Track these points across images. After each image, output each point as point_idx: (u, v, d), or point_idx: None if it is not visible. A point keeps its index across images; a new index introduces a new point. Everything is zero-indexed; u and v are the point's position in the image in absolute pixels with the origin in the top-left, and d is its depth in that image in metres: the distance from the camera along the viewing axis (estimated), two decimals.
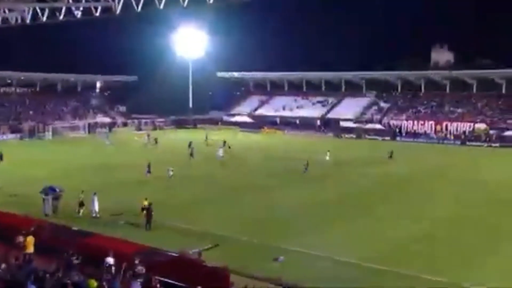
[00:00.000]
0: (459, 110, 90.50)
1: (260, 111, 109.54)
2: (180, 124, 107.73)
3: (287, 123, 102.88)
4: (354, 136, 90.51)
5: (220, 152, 51.92)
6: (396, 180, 42.52)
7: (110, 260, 16.86)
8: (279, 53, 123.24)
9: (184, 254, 18.29)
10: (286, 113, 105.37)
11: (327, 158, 48.69)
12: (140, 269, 16.04)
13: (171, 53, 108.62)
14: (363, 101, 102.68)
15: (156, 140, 66.27)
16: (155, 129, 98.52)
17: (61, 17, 31.41)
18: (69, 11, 31.25)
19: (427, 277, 19.37)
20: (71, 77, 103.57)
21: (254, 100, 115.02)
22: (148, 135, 71.95)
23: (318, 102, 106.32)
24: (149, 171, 41.26)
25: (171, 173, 40.07)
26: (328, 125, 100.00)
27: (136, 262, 16.27)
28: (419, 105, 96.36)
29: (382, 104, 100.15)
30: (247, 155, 59.25)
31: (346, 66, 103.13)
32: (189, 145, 57.42)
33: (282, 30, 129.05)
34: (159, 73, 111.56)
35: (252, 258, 21.67)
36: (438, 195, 35.99)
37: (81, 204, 28.65)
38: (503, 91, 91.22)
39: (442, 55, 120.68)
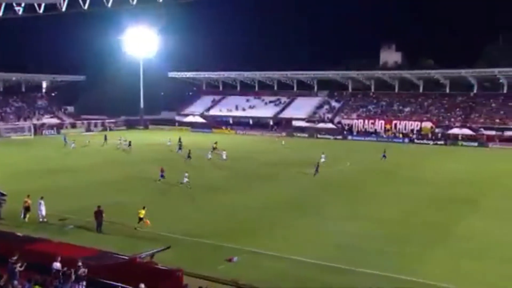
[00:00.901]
0: (407, 109, 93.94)
1: (213, 111, 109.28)
2: (131, 125, 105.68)
3: (239, 123, 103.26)
4: (306, 135, 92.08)
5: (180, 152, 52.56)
6: (345, 180, 43.59)
7: (57, 265, 16.38)
8: (232, 53, 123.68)
9: (135, 257, 18.03)
10: (239, 113, 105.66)
11: (322, 160, 48.88)
12: (83, 271, 15.71)
13: (121, 53, 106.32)
14: (315, 101, 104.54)
15: (130, 143, 63.59)
16: (105, 130, 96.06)
17: (0, 13, 30.05)
18: (9, 7, 29.96)
19: (379, 273, 20.03)
20: (14, 76, 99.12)
21: (206, 100, 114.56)
22: (120, 138, 69.25)
23: (271, 102, 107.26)
24: (162, 176, 39.72)
25: (186, 179, 37.75)
26: (281, 124, 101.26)
27: (79, 264, 15.90)
28: (369, 105, 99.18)
29: (334, 104, 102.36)
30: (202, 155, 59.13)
31: (298, 66, 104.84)
32: (179, 144, 59.42)
33: (234, 30, 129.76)
34: (108, 73, 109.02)
35: (206, 259, 21.64)
36: (386, 194, 37.07)
37: (27, 209, 27.60)
38: (447, 90, 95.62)
39: (390, 56, 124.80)
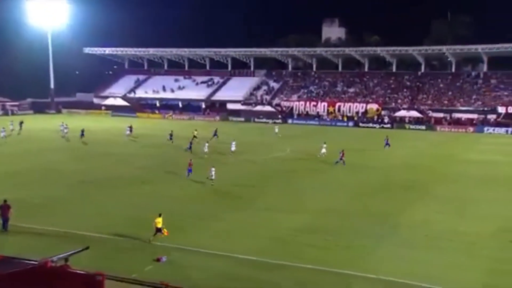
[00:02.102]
0: (352, 90, 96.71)
1: (137, 93, 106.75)
2: (40, 109, 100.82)
3: (167, 106, 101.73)
4: (243, 119, 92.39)
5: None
6: (284, 168, 44.08)
7: None
8: (158, 27, 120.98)
9: (47, 261, 17.21)
10: (167, 95, 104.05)
11: (323, 150, 48.52)
12: None
13: (24, 24, 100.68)
14: (251, 81, 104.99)
15: (82, 132, 60.07)
16: (6, 114, 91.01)
17: None
18: None
19: (323, 269, 20.46)
20: None
21: (129, 80, 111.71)
22: (62, 124, 65.86)
23: (203, 82, 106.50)
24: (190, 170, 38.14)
25: (213, 172, 35.98)
26: (214, 107, 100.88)
27: None
28: (311, 85, 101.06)
29: (272, 84, 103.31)
30: (118, 142, 57.69)
31: (233, 43, 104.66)
32: (170, 134, 57.89)
33: (160, 2, 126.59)
34: (9, 48, 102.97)
35: (131, 260, 21.11)
36: (328, 183, 37.97)
37: None
38: (394, 69, 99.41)
39: (333, 31, 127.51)
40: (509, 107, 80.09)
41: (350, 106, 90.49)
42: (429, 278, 19.51)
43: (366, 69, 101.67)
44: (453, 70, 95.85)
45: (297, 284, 19.31)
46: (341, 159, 44.64)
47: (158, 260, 20.97)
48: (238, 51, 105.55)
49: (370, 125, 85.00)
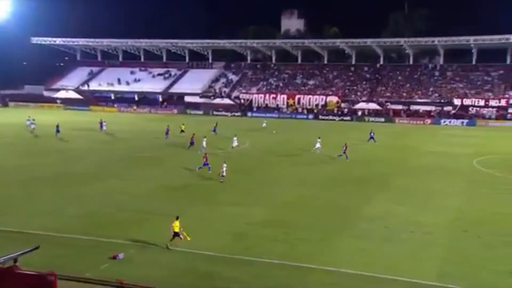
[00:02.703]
0: (311, 83, 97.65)
1: (90, 85, 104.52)
2: None
3: (123, 99, 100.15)
4: (201, 112, 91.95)
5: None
6: (242, 162, 44.17)
7: None
8: (112, 18, 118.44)
9: None
10: (122, 88, 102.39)
11: (318, 145, 48.06)
12: None
13: None
14: (209, 74, 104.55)
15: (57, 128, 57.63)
16: None
17: None
18: None
19: (284, 263, 20.65)
20: None
21: (82, 73, 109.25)
22: (29, 118, 63.07)
23: (159, 74, 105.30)
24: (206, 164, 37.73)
25: (225, 169, 35.55)
26: (172, 100, 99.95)
27: None
28: (270, 77, 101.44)
29: (231, 77, 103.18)
30: (73, 136, 56.44)
31: (190, 34, 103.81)
32: (167, 132, 56.45)
33: None
34: None
35: (85, 258, 20.74)
36: (287, 176, 38.18)
37: None
38: (353, 62, 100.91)
39: (292, 23, 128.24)
40: (464, 99, 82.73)
41: (310, 99, 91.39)
42: (388, 269, 20.00)
43: (325, 61, 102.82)
44: (411, 62, 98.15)
45: (257, 279, 19.42)
46: (344, 152, 44.97)
47: (114, 257, 20.67)
48: (195, 42, 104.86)
49: (330, 117, 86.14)
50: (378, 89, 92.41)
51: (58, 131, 56.71)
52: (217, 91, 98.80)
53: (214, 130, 60.47)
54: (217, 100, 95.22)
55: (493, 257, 21.60)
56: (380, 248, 22.69)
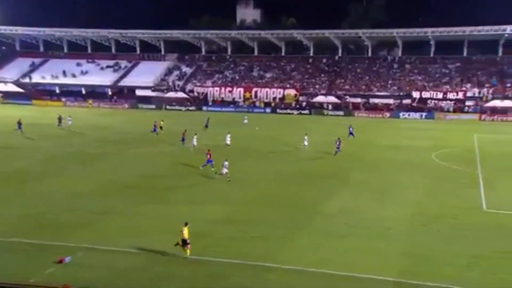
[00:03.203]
0: (269, 75, 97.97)
1: (33, 78, 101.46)
2: None
3: (69, 93, 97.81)
4: (154, 106, 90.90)
5: None
6: (197, 158, 43.16)
7: None
8: (54, 5, 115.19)
9: None
10: (68, 80, 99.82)
11: (305, 143, 47.55)
12: None
13: None
14: (162, 66, 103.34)
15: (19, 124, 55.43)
16: None
17: None
18: None
19: (239, 262, 20.70)
20: None
21: (22, 64, 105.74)
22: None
23: (108, 67, 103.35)
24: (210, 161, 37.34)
25: (225, 169, 35.06)
26: (122, 94, 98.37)
27: None
28: (226, 70, 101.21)
29: (185, 69, 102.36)
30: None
31: (141, 24, 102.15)
32: (155, 125, 55.42)
33: None
34: None
35: (29, 263, 20.19)
36: (245, 172, 38.17)
37: None
38: (311, 53, 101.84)
39: (248, 13, 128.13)
40: (423, 92, 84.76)
41: (267, 92, 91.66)
42: (347, 266, 20.38)
43: (283, 53, 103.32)
44: (370, 54, 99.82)
45: (211, 279, 19.42)
46: (338, 148, 45.29)
47: (60, 261, 20.23)
48: (147, 33, 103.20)
49: (288, 111, 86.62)
50: (336, 82, 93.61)
51: (19, 127, 54.59)
52: (170, 84, 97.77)
53: (207, 126, 59.95)
54: (170, 94, 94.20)
55: (452, 251, 22.34)
56: (339, 244, 23.08)
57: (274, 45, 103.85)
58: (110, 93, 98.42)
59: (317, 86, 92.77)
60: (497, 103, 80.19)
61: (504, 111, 79.24)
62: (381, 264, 20.74)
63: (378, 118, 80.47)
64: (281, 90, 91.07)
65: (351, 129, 55.50)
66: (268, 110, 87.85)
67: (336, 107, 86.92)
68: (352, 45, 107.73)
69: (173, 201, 30.00)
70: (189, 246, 21.08)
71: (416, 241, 23.66)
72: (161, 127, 56.71)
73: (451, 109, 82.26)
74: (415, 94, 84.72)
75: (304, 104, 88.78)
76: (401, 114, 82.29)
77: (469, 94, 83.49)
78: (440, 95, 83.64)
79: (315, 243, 23.15)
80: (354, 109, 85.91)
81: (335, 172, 38.70)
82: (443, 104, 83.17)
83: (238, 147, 48.16)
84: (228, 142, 48.18)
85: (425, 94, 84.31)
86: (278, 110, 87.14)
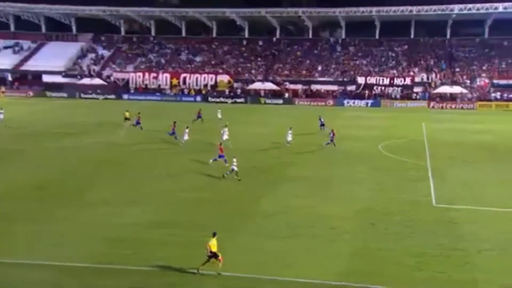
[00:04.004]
0: (199, 59, 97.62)
1: None
2: None
3: None
4: (65, 95, 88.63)
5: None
6: (118, 154, 43.55)
7: None
8: None
9: None
10: None
11: (289, 139, 46.38)
12: None
13: None
14: (74, 47, 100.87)
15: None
16: None
17: None
18: None
19: (162, 270, 20.71)
20: None
21: None
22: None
23: (7, 47, 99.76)
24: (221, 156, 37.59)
25: (235, 167, 34.87)
26: (26, 80, 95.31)
27: None
28: (149, 53, 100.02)
29: (102, 52, 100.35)
30: None
31: None
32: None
33: None
34: None
35: None
36: (172, 169, 38.28)
37: None
38: (246, 35, 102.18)
39: None
40: (368, 78, 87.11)
41: (197, 78, 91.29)
42: (288, 269, 20.77)
43: (214, 35, 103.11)
44: (311, 36, 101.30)
45: None
46: (331, 140, 45.58)
47: None
48: (54, 8, 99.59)
49: (222, 99, 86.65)
50: (275, 67, 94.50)
51: None
52: (85, 69, 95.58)
53: (199, 117, 59.06)
54: (85, 80, 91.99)
55: (400, 250, 23.19)
56: (279, 246, 23.43)
57: (205, 25, 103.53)
58: (10, 78, 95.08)
59: (253, 72, 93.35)
60: (446, 89, 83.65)
61: (453, 98, 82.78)
62: (325, 266, 21.24)
63: (321, 106, 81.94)
64: (213, 76, 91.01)
65: (322, 120, 55.50)
66: (198, 98, 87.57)
67: (274, 94, 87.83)
68: (291, 26, 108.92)
69: (88, 203, 29.43)
70: (220, 258, 20.22)
71: (363, 241, 24.36)
72: (127, 118, 55.97)
73: (398, 96, 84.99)
74: (360, 80, 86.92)
75: (239, 91, 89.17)
76: (345, 101, 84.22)
77: (417, 79, 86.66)
78: (386, 81, 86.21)
79: (252, 246, 23.42)
80: (294, 96, 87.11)
81: (274, 167, 39.23)
82: (389, 90, 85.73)
83: (156, 141, 47.93)
84: (226, 137, 46.17)
85: (371, 80, 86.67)
86: (210, 99, 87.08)
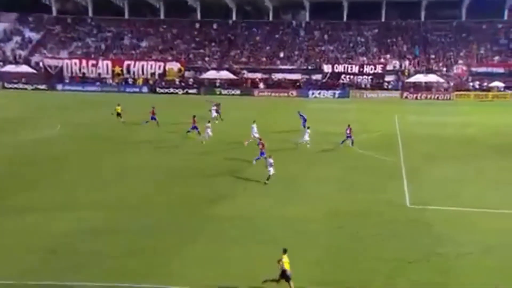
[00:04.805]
0: (144, 44, 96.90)
1: None
2: None
3: None
4: None
5: None
6: (52, 152, 43.13)
7: None
8: None
9: None
10: None
11: (307, 138, 45.87)
12: None
13: None
14: None
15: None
16: None
17: None
18: None
19: (101, 284, 20.59)
20: None
21: None
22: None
23: None
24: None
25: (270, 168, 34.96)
26: None
27: None
28: (87, 37, 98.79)
29: (29, 34, 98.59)
30: None
31: None
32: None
33: None
34: None
35: None
36: (114, 169, 38.17)
37: None
38: (199, 17, 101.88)
39: None
40: (335, 65, 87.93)
41: (143, 66, 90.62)
42: (246, 279, 20.93)
43: (162, 16, 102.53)
44: (271, 18, 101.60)
45: None
46: (349, 137, 45.76)
47: None
48: None
49: (171, 90, 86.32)
50: (231, 53, 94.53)
51: None
52: (9, 54, 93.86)
53: (217, 112, 58.63)
54: (10, 68, 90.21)
55: (374, 255, 23.59)
56: (238, 254, 23.65)
57: (151, 6, 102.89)
58: None
59: (206, 59, 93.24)
60: (420, 77, 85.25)
61: (428, 87, 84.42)
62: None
63: (283, 98, 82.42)
64: (161, 64, 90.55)
65: (302, 116, 54.95)
66: (145, 89, 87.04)
67: (231, 84, 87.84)
68: (249, 7, 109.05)
69: (18, 209, 29.00)
70: (292, 285, 20.06)
71: (331, 246, 24.78)
72: (119, 114, 55.76)
73: (368, 86, 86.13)
74: (327, 68, 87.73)
75: (191, 81, 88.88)
76: (310, 92, 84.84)
77: (388, 67, 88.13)
78: (355, 69, 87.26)
79: (207, 254, 23.51)
80: (254, 86, 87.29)
81: (234, 165, 39.46)
82: (359, 79, 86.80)
83: (101, 137, 47.77)
84: (256, 135, 46.46)
85: (338, 68, 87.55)
86: (158, 89, 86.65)
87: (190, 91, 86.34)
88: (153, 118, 53.44)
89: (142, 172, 37.15)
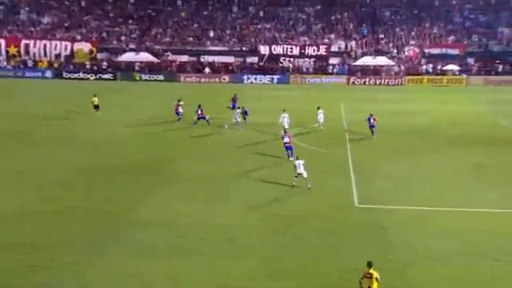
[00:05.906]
0: (47, 20, 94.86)
1: None
2: None
3: None
4: None
5: None
6: None
7: None
8: None
9: None
10: None
11: (321, 121, 48.73)
12: None
13: None
14: None
15: None
16: None
17: None
18: None
19: None
20: None
21: None
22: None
23: None
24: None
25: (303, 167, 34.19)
26: None
27: None
28: None
29: None
30: None
31: None
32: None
33: None
34: None
35: None
36: (21, 169, 37.73)
37: None
38: None
39: None
40: (273, 46, 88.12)
41: (45, 46, 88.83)
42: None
43: None
44: None
45: None
46: (373, 126, 46.93)
47: None
48: None
49: (81, 75, 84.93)
50: (152, 32, 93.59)
51: None
52: None
53: (233, 107, 57.32)
54: None
55: (317, 264, 23.69)
56: (161, 266, 23.41)
57: None
58: None
59: (123, 38, 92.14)
60: (368, 60, 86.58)
61: (377, 71, 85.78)
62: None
63: (214, 84, 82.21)
64: (68, 44, 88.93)
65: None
66: (48, 74, 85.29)
67: (152, 68, 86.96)
68: None
69: None
70: None
71: (270, 255, 24.68)
72: (96, 106, 55.63)
73: (311, 70, 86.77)
74: (263, 50, 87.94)
75: (104, 64, 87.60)
76: (245, 77, 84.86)
77: (333, 48, 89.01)
78: (296, 51, 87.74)
79: (124, 268, 23.25)
80: (180, 71, 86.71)
81: (156, 164, 39.17)
82: (300, 62, 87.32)
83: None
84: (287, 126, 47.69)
85: (277, 50, 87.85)
86: (64, 74, 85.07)
87: (104, 76, 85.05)
88: (201, 117, 52.06)
89: (49, 173, 36.67)
